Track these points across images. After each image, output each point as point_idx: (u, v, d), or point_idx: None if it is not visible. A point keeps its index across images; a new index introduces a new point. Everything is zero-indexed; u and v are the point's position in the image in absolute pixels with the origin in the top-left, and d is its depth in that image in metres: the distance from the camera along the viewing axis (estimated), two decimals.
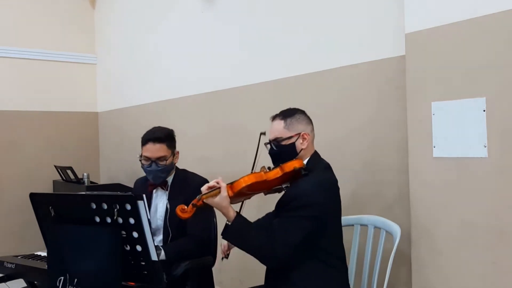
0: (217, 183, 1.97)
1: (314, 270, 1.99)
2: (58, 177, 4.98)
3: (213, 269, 2.62)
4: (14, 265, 2.26)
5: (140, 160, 2.51)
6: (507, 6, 1.87)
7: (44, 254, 2.37)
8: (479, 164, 1.95)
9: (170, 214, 2.52)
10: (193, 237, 2.46)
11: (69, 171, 4.67)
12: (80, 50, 5.39)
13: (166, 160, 2.48)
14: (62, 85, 5.26)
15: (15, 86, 4.97)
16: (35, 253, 2.47)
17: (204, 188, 1.99)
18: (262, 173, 1.98)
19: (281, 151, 2.07)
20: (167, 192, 2.57)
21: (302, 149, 2.07)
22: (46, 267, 2.01)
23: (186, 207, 1.93)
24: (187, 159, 3.50)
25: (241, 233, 1.95)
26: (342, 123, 2.72)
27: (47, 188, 5.02)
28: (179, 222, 2.49)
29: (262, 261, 1.98)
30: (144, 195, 1.69)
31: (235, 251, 3.42)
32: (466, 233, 2.00)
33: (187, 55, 4.02)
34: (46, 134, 5.14)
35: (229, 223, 1.95)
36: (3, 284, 2.35)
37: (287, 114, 2.12)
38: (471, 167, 1.98)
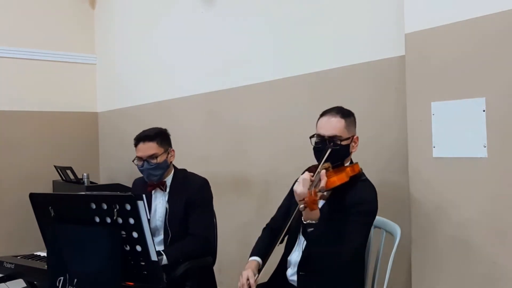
0: (314, 175, 1.84)
1: (346, 273, 1.97)
2: (58, 177, 4.97)
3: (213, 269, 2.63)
4: (13, 265, 2.26)
5: (133, 161, 2.53)
6: (507, 6, 1.87)
7: (44, 254, 2.37)
8: (479, 164, 1.95)
9: (170, 215, 2.52)
10: (196, 236, 2.47)
11: (69, 171, 4.66)
12: (80, 50, 5.38)
13: (157, 157, 2.48)
14: (62, 85, 5.25)
15: (15, 86, 4.96)
16: (35, 253, 2.47)
17: (307, 178, 1.82)
18: (344, 173, 1.93)
19: (338, 150, 1.98)
20: (166, 193, 2.57)
21: (351, 153, 2.06)
22: (45, 267, 2.01)
23: (315, 198, 1.77)
24: (187, 159, 3.50)
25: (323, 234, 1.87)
26: None
27: (47, 188, 5.01)
28: (180, 223, 2.50)
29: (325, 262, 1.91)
30: (144, 195, 1.69)
31: (234, 251, 3.43)
32: (466, 233, 2.00)
33: (187, 55, 4.02)
34: (46, 134, 5.13)
35: (315, 222, 1.83)
36: (2, 284, 2.35)
37: (346, 114, 2.05)
38: (471, 167, 1.98)
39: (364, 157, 2.58)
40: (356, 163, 2.03)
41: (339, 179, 1.90)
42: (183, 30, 4.05)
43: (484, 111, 1.93)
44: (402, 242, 2.15)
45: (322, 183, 1.81)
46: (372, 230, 2.28)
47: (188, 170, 2.69)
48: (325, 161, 1.93)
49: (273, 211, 2.34)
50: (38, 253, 2.46)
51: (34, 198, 1.94)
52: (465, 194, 2.00)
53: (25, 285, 2.38)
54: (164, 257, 2.29)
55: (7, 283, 2.36)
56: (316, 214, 1.82)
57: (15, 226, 4.82)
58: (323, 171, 1.84)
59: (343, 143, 1.99)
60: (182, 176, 2.61)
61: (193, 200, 2.50)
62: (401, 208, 2.37)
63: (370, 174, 2.56)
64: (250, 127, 3.38)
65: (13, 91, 4.95)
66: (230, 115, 3.57)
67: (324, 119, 2.05)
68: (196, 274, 2.38)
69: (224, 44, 3.61)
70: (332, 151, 1.95)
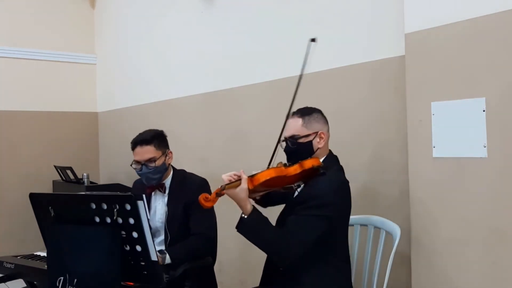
0: (236, 175, 1.95)
1: (321, 271, 1.99)
2: (58, 177, 4.97)
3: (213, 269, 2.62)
4: (13, 265, 2.26)
5: (131, 165, 2.50)
6: (507, 6, 1.87)
7: (44, 254, 2.37)
8: (479, 164, 1.95)
9: (170, 216, 2.51)
10: (199, 236, 2.46)
11: (68, 171, 4.66)
12: (80, 50, 5.38)
13: (155, 161, 2.46)
14: (62, 85, 5.25)
15: (15, 86, 4.95)
16: (35, 253, 2.47)
17: (224, 178, 1.96)
18: (283, 168, 1.96)
19: (297, 149, 2.06)
20: (165, 194, 2.56)
21: (318, 148, 2.07)
22: (45, 267, 2.02)
23: (209, 195, 1.89)
24: (186, 160, 3.50)
25: (256, 228, 1.93)
26: (341, 123, 2.72)
27: (47, 188, 5.01)
28: (180, 224, 2.50)
29: (274, 258, 1.98)
30: (143, 195, 1.69)
31: (234, 251, 3.42)
32: (466, 233, 2.00)
33: (187, 55, 4.02)
34: (46, 134, 5.13)
35: (245, 217, 1.92)
36: (2, 284, 2.35)
37: (305, 112, 2.11)
38: (471, 167, 1.98)
39: (364, 157, 2.59)
40: (309, 158, 2.01)
41: (268, 174, 1.92)
42: (183, 30, 4.05)
43: (484, 111, 1.93)
44: (402, 242, 2.15)
45: (242, 181, 1.89)
46: (372, 230, 2.28)
47: (187, 170, 2.69)
48: (288, 159, 2.07)
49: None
50: (38, 253, 2.46)
51: (34, 198, 1.94)
52: (465, 194, 2.00)
53: (25, 285, 2.38)
54: (167, 255, 2.29)
55: (7, 283, 2.36)
56: (246, 209, 1.91)
57: (15, 226, 4.82)
58: (241, 171, 1.94)
59: (300, 140, 2.06)
60: (181, 177, 2.60)
61: (192, 200, 2.49)
62: (401, 208, 2.37)
63: (370, 174, 2.56)
64: (250, 127, 3.38)
65: (13, 91, 4.95)
66: (229, 115, 3.57)
67: (288, 121, 2.12)
68: (196, 274, 2.38)
69: (224, 44, 3.61)
70: (288, 149, 2.08)
